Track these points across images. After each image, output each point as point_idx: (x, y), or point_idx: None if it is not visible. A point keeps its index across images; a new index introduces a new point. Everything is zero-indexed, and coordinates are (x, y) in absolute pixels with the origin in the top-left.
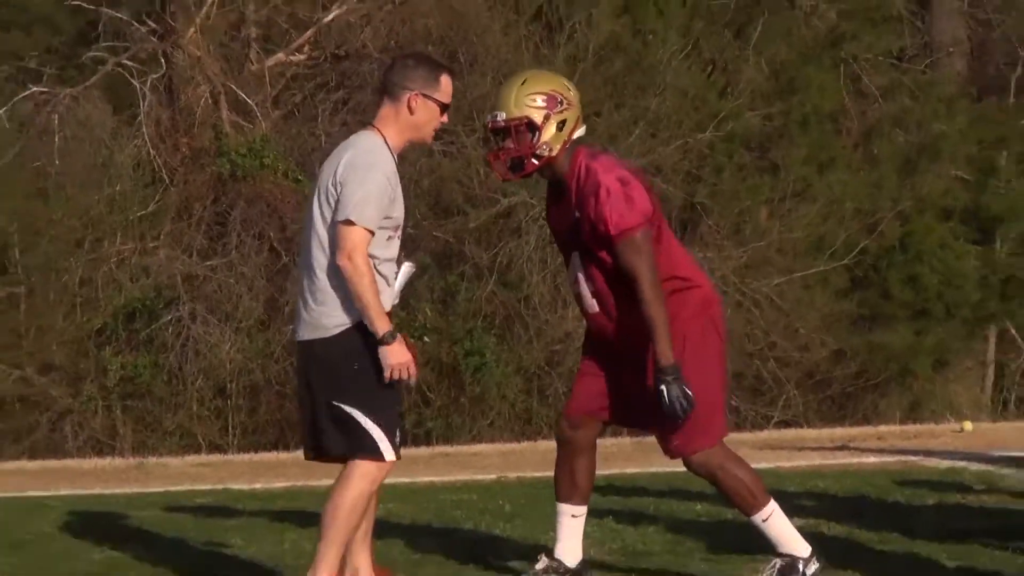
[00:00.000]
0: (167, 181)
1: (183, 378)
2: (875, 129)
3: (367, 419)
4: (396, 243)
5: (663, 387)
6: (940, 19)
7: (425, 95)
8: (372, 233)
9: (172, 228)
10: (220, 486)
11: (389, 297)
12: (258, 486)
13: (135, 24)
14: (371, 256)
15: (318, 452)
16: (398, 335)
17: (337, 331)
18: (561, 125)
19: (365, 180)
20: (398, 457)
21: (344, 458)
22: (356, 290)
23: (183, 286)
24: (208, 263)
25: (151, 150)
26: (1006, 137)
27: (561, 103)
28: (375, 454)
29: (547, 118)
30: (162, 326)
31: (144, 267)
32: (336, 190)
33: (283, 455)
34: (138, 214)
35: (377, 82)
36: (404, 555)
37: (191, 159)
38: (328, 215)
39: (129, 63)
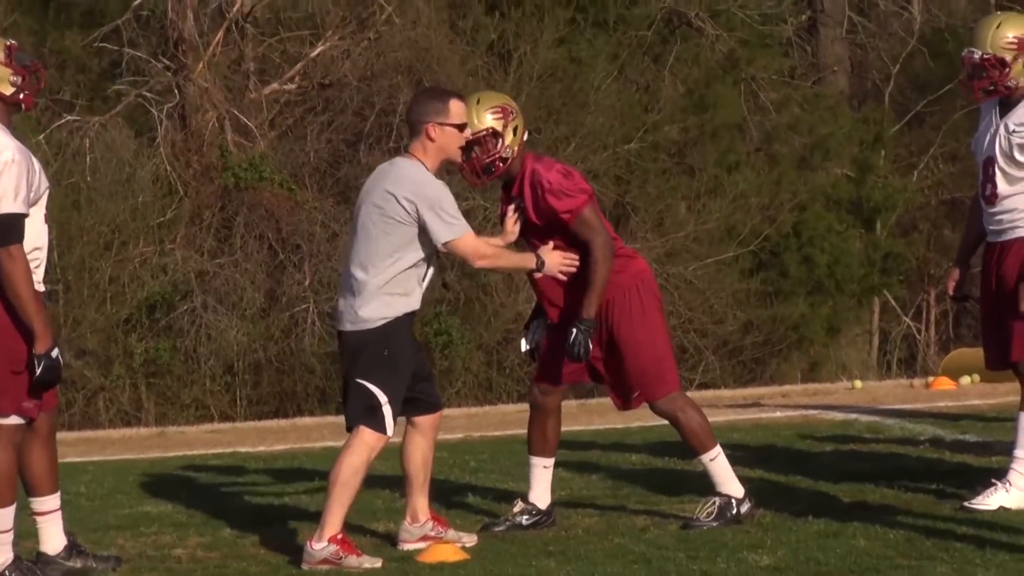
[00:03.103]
0: (181, 193)
1: (197, 359)
2: (772, 135)
3: (383, 396)
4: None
5: (575, 331)
6: (825, 43)
7: (440, 123)
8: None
9: (186, 232)
10: (230, 450)
11: (419, 296)
12: (262, 449)
13: (152, 61)
14: (423, 262)
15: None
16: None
17: (380, 323)
18: (515, 130)
19: (440, 204)
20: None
21: None
22: (499, 265)
23: (196, 281)
24: (217, 261)
25: (167, 167)
26: (881, 140)
27: (511, 113)
28: (379, 427)
29: (505, 126)
30: (179, 315)
31: (163, 266)
32: (392, 204)
33: (283, 422)
34: (157, 221)
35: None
36: (387, 504)
37: (201, 174)
38: (378, 224)
39: (148, 94)
